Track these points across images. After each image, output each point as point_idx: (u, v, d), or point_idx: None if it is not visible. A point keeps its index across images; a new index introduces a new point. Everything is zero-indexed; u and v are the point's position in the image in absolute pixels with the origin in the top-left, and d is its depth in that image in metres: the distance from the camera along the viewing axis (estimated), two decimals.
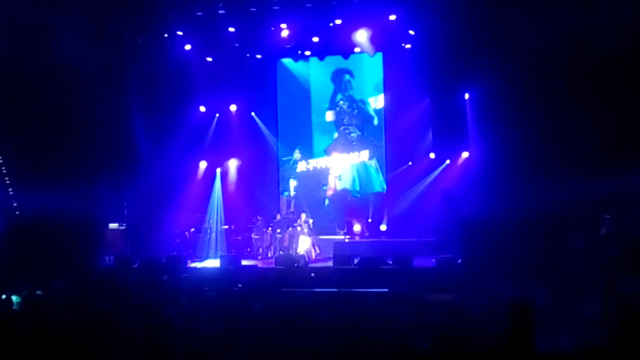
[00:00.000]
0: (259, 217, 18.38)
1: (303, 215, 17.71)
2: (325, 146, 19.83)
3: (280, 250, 17.19)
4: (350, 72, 19.62)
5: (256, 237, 18.00)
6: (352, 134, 19.57)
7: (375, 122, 19.45)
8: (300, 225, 17.34)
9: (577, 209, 13.45)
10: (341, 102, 19.67)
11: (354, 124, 19.58)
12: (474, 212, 15.00)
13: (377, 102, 19.42)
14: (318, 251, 16.71)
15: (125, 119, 17.72)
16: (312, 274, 13.33)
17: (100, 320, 7.97)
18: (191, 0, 16.28)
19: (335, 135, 19.73)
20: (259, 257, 17.31)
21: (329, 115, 19.75)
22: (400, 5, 16.26)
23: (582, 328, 7.21)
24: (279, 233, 17.79)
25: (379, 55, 18.83)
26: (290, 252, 16.39)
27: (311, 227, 17.27)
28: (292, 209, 19.32)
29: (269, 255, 17.16)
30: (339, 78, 19.70)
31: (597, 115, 14.21)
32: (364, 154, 19.47)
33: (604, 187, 13.38)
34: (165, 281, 11.30)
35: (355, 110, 19.58)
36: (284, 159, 19.96)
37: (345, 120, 19.61)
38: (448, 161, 17.81)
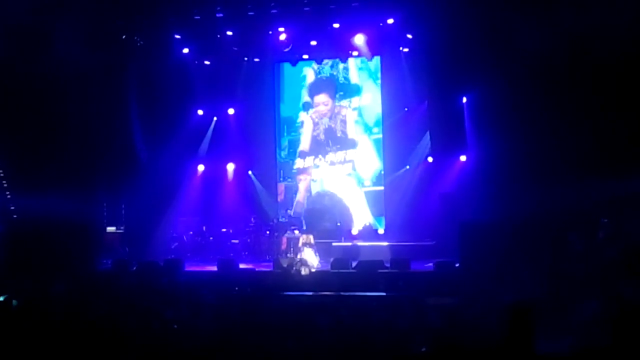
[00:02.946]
0: (252, 220, 18.32)
1: (304, 237, 16.51)
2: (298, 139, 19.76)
3: (277, 253, 17.12)
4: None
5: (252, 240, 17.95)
6: (323, 135, 19.47)
7: (356, 119, 19.35)
8: (300, 239, 16.96)
9: (575, 212, 13.46)
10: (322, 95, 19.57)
11: (329, 123, 19.46)
12: (472, 216, 15.00)
13: (361, 100, 19.34)
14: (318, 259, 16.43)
15: (123, 122, 17.74)
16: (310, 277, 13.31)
17: (98, 323, 7.95)
18: (189, 4, 16.30)
19: (310, 128, 19.62)
20: (268, 257, 17.10)
21: (304, 114, 19.68)
22: (398, 9, 16.28)
23: (582, 331, 7.22)
24: (276, 236, 17.74)
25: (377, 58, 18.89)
26: (289, 255, 16.32)
27: (313, 242, 16.71)
28: (292, 212, 19.30)
29: (267, 259, 17.10)
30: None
31: (595, 119, 14.22)
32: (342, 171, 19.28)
33: (602, 190, 13.40)
34: (163, 284, 11.29)
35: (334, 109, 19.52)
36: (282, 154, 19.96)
37: (321, 118, 19.53)
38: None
